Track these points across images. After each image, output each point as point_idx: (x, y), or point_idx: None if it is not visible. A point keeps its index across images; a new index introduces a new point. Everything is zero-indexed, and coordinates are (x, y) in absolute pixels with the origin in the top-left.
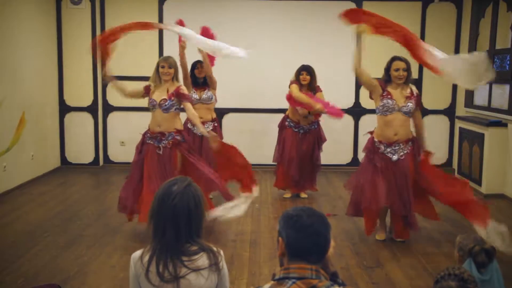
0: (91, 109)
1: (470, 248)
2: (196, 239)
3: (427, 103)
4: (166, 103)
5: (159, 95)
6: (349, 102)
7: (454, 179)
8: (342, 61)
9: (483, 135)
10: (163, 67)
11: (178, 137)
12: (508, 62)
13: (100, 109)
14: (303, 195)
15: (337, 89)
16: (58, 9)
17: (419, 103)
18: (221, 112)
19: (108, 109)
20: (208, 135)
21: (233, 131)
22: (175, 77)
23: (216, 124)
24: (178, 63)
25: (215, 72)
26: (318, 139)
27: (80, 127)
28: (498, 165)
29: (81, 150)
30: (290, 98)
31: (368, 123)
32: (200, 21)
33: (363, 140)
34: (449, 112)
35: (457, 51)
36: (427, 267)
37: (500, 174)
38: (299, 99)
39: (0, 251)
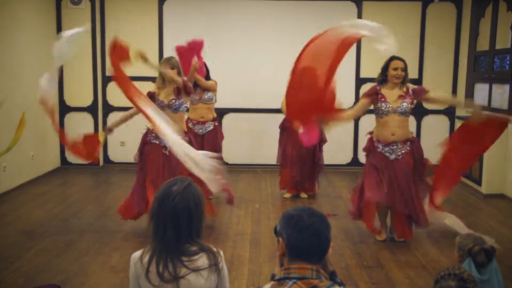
0: (91, 109)
1: (470, 248)
2: (196, 239)
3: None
4: (176, 103)
5: (166, 96)
6: (349, 102)
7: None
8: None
9: None
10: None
11: (187, 138)
12: (508, 62)
13: (100, 109)
14: (303, 195)
15: (337, 89)
16: (58, 9)
17: (420, 93)
18: (221, 112)
19: (108, 109)
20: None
21: (233, 131)
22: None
23: (216, 124)
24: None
25: (215, 72)
26: (319, 140)
27: (80, 127)
28: (498, 165)
29: None
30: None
31: (368, 123)
32: (200, 21)
33: (363, 140)
34: (449, 112)
35: (457, 51)
36: (427, 267)
37: (500, 174)
38: (282, 110)
39: (0, 251)
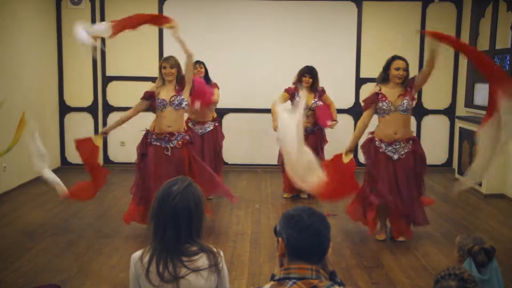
0: (91, 109)
1: (470, 248)
2: (196, 239)
3: (427, 103)
4: (178, 99)
5: (167, 94)
6: (349, 102)
7: None
8: (342, 61)
9: None
10: (164, 67)
11: (187, 137)
12: (508, 62)
13: (100, 109)
14: (303, 195)
15: (337, 89)
16: (58, 9)
17: (412, 83)
18: (221, 112)
19: (108, 109)
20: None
21: (233, 131)
22: (179, 77)
23: (217, 124)
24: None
25: (216, 72)
26: (320, 141)
27: (80, 127)
28: (498, 165)
29: None
30: None
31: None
32: (200, 21)
33: (362, 140)
34: (449, 112)
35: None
36: (427, 267)
37: (500, 174)
38: (272, 111)
39: (0, 251)
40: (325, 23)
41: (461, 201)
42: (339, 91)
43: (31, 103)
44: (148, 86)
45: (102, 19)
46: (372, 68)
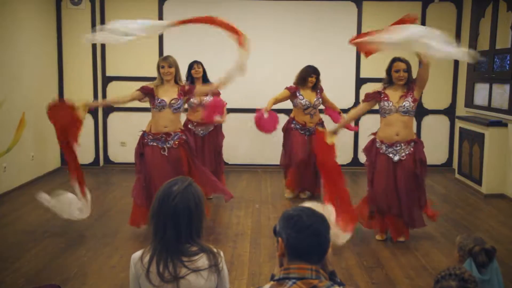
0: (91, 110)
1: (470, 248)
2: (196, 239)
3: (427, 103)
4: (178, 103)
5: (168, 95)
6: (349, 102)
7: None
8: (342, 61)
9: (483, 135)
10: (163, 67)
11: (184, 137)
12: (508, 62)
13: (100, 109)
14: (303, 195)
15: (337, 89)
16: (58, 9)
17: (414, 83)
18: None
19: (108, 109)
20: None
21: (233, 131)
22: (178, 77)
23: (217, 124)
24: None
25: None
26: None
27: None
28: (498, 165)
29: (81, 151)
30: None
31: (369, 123)
32: None
33: (363, 141)
34: (449, 112)
35: None
36: (427, 267)
37: (500, 174)
38: (268, 103)
39: (0, 251)
40: (325, 23)
41: (461, 201)
42: (339, 91)
43: (31, 103)
44: None
45: (102, 19)
46: (372, 68)
